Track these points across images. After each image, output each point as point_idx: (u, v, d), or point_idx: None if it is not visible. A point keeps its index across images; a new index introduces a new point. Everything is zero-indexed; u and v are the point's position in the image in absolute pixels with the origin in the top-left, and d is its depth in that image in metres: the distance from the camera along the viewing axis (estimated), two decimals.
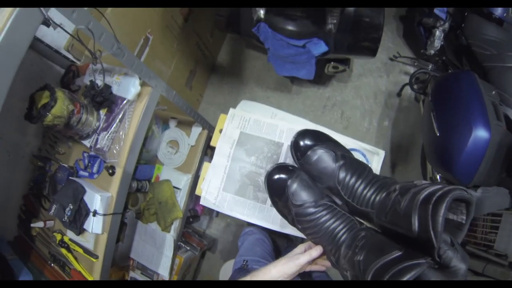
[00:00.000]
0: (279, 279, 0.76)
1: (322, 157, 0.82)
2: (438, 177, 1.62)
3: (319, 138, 0.87)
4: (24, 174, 1.32)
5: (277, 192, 0.85)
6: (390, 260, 0.57)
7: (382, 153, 1.00)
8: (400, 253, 0.57)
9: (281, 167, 0.85)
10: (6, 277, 1.12)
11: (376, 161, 1.00)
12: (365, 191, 0.76)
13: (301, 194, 0.79)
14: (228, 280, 0.98)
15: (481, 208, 1.38)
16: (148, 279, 1.56)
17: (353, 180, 0.78)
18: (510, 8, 1.48)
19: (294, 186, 0.81)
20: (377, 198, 0.73)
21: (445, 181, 1.55)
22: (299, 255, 0.78)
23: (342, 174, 0.79)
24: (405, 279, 0.51)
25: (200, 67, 2.09)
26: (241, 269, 1.03)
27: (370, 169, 0.82)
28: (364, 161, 0.99)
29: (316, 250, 0.78)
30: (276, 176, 0.84)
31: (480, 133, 1.13)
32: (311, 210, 0.77)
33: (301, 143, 0.86)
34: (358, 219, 0.78)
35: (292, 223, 0.84)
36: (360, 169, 0.80)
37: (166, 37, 1.66)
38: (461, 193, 0.57)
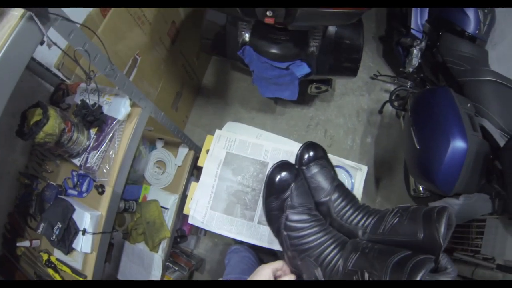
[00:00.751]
0: None
1: (323, 172, 0.86)
2: (421, 188, 1.67)
3: (323, 155, 0.91)
4: (9, 192, 1.30)
5: (277, 189, 0.85)
6: (404, 255, 0.62)
7: (365, 169, 1.03)
8: (409, 252, 0.62)
9: (288, 165, 0.87)
10: None
11: (359, 176, 1.03)
12: (353, 215, 0.79)
13: (301, 197, 0.81)
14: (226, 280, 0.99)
15: (465, 215, 1.43)
16: None
17: (343, 203, 0.81)
18: (481, 25, 1.57)
19: (298, 186, 0.82)
20: (367, 221, 0.77)
21: (428, 192, 1.60)
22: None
23: (335, 195, 0.82)
24: (424, 269, 0.56)
25: (186, 89, 2.12)
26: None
27: (357, 200, 0.85)
28: (348, 177, 1.02)
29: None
30: (283, 173, 0.85)
31: (458, 144, 1.19)
32: (304, 217, 0.78)
33: (306, 154, 0.89)
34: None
35: (278, 230, 0.84)
36: (350, 196, 0.84)
37: (153, 58, 1.69)
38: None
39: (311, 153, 0.89)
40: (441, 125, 1.26)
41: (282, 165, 0.87)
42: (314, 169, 0.86)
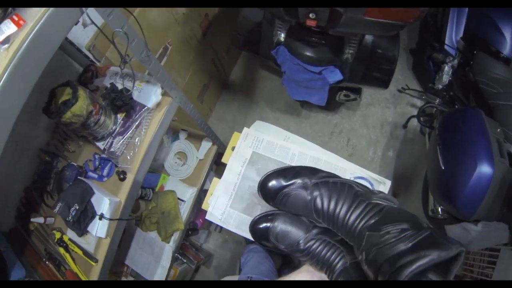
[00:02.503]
0: None
1: (293, 195, 0.79)
2: (439, 209, 1.63)
3: (284, 176, 0.82)
4: (29, 166, 1.31)
5: (264, 240, 0.85)
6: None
7: (388, 183, 1.01)
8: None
9: (259, 218, 0.86)
10: None
11: (382, 190, 1.01)
12: (347, 216, 0.72)
13: (286, 237, 0.80)
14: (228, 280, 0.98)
15: (481, 243, 1.39)
16: None
17: (332, 206, 0.74)
18: None
19: (276, 232, 0.81)
20: (359, 226, 0.70)
21: (446, 214, 1.56)
22: None
23: (318, 204, 0.76)
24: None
25: (213, 82, 2.11)
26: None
27: (350, 186, 0.78)
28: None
29: None
30: (259, 227, 0.85)
31: (484, 169, 1.15)
32: (301, 247, 0.78)
33: (267, 189, 0.83)
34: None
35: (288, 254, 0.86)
36: (337, 191, 0.76)
37: (184, 49, 1.68)
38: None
39: (272, 186, 0.82)
40: (469, 147, 1.23)
41: (258, 220, 0.86)
42: (284, 200, 0.80)
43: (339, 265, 0.74)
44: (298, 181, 0.80)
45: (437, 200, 1.52)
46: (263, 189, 0.83)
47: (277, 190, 0.81)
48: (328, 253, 0.75)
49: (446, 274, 0.56)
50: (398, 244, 0.59)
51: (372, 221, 0.69)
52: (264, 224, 0.83)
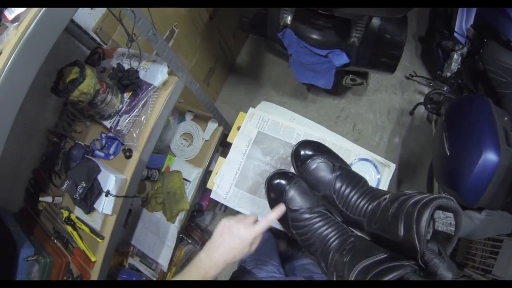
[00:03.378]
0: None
1: (320, 166, 0.86)
2: (437, 195, 1.63)
3: (319, 149, 0.90)
4: (37, 148, 1.34)
5: (275, 197, 0.87)
6: (374, 261, 0.60)
7: (393, 166, 1.01)
8: (385, 255, 0.61)
9: (281, 173, 0.88)
10: (8, 247, 1.12)
11: (386, 173, 1.01)
12: (358, 201, 0.79)
13: (298, 200, 0.82)
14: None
15: (484, 232, 1.39)
16: (147, 267, 1.57)
17: (348, 190, 0.81)
18: None
19: (292, 191, 0.83)
20: (369, 207, 0.77)
21: None
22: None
23: (338, 184, 0.83)
24: (386, 279, 0.54)
25: (219, 65, 2.11)
26: (240, 271, 1.04)
27: (365, 182, 0.86)
28: (375, 172, 1.01)
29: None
30: (276, 181, 0.87)
31: (490, 156, 1.15)
32: (306, 216, 0.80)
33: (302, 152, 0.89)
34: (351, 228, 0.82)
35: (288, 229, 0.86)
36: (355, 180, 0.84)
37: (191, 32, 1.68)
38: (447, 201, 0.61)
39: (306, 151, 0.89)
40: (475, 135, 1.22)
41: (277, 174, 0.88)
42: (311, 166, 0.87)
43: (334, 243, 0.76)
44: (328, 157, 0.88)
45: (441, 186, 1.52)
46: (297, 152, 0.90)
47: (309, 156, 0.88)
48: (327, 230, 0.78)
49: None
50: (421, 193, 0.67)
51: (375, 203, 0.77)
52: (284, 181, 0.86)
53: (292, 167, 0.92)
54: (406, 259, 0.57)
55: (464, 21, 1.69)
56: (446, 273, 0.54)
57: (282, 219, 0.86)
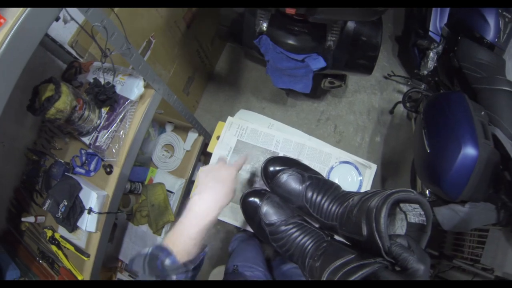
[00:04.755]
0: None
1: (290, 179, 0.89)
2: (427, 192, 1.66)
3: (287, 163, 0.94)
4: (17, 167, 1.30)
5: (250, 214, 0.90)
6: (342, 263, 0.61)
7: (374, 167, 1.02)
8: (352, 256, 0.62)
9: (253, 191, 0.91)
10: None
11: (368, 174, 1.02)
12: (330, 206, 0.82)
13: (272, 214, 0.85)
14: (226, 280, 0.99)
15: (469, 223, 1.42)
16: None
17: (319, 197, 0.84)
18: (501, 34, 1.54)
19: (265, 207, 0.86)
20: (339, 211, 0.79)
21: (434, 196, 1.59)
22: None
23: (309, 193, 0.85)
24: (351, 279, 0.55)
25: (198, 74, 2.11)
26: (232, 274, 1.04)
27: (337, 187, 0.88)
28: (357, 174, 1.02)
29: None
30: (249, 199, 0.90)
31: (469, 151, 1.18)
32: (282, 228, 0.83)
33: (270, 168, 0.93)
34: (329, 232, 0.85)
35: (268, 243, 0.88)
36: (325, 187, 0.87)
37: (168, 41, 1.67)
38: (406, 194, 0.62)
39: (274, 167, 0.93)
40: (454, 130, 1.25)
41: (250, 193, 0.91)
42: (280, 180, 0.89)
43: (310, 250, 0.78)
44: (297, 169, 0.91)
45: (424, 182, 1.54)
46: (266, 169, 0.93)
47: (277, 171, 0.91)
48: (304, 239, 0.80)
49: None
50: (382, 192, 0.67)
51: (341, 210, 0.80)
52: (256, 198, 0.89)
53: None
54: (372, 257, 0.58)
55: (438, 20, 1.73)
56: (417, 265, 0.54)
57: (261, 234, 0.89)
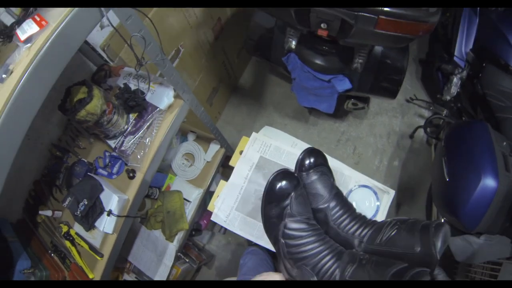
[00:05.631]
0: None
1: (323, 179, 0.86)
2: (442, 220, 1.64)
3: (323, 162, 0.92)
4: (39, 161, 1.33)
5: (277, 197, 0.83)
6: (402, 267, 0.63)
7: (392, 193, 1.02)
8: (405, 264, 0.64)
9: (288, 173, 0.84)
10: (5, 257, 1.12)
11: (386, 199, 1.02)
12: (350, 225, 0.81)
13: (300, 206, 0.80)
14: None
15: (483, 256, 1.39)
16: None
17: (341, 212, 0.82)
18: None
19: (298, 195, 0.81)
20: (363, 232, 0.79)
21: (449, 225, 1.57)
22: None
23: (333, 203, 0.83)
24: (424, 279, 0.60)
25: (223, 86, 2.13)
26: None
27: (351, 204, 0.88)
28: (374, 198, 1.01)
29: None
30: (284, 182, 0.82)
31: (488, 182, 1.15)
32: (303, 225, 0.78)
33: (308, 160, 0.89)
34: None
35: (275, 238, 0.82)
36: (348, 205, 0.85)
37: (196, 52, 1.70)
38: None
39: (312, 160, 0.89)
40: (474, 160, 1.23)
41: (283, 173, 0.84)
42: (314, 176, 0.87)
43: (331, 261, 0.74)
44: (330, 173, 0.91)
45: (440, 211, 1.52)
46: (304, 159, 0.90)
47: (315, 165, 0.89)
48: (321, 247, 0.75)
49: None
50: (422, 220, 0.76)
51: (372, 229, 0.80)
52: (291, 183, 0.82)
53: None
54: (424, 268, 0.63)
55: (463, 45, 1.71)
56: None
57: (273, 223, 0.83)
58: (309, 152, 0.91)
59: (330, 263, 0.72)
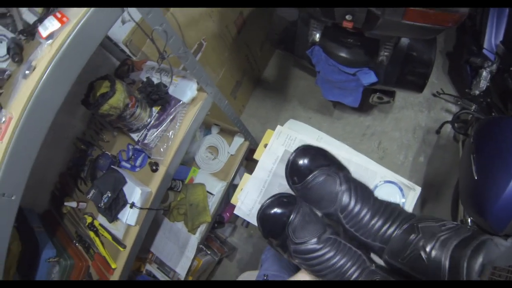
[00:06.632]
0: None
1: (325, 182, 0.72)
2: (469, 220, 1.59)
3: (321, 158, 0.77)
4: (64, 154, 1.38)
5: (273, 230, 0.74)
6: None
7: (418, 189, 0.99)
8: None
9: (278, 201, 0.75)
10: (31, 246, 1.15)
11: (411, 196, 0.99)
12: (373, 221, 0.68)
13: (303, 230, 0.70)
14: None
15: (509, 259, 1.34)
16: (163, 275, 1.59)
17: (358, 207, 0.69)
18: None
19: (296, 222, 0.71)
20: (389, 231, 0.67)
21: (475, 226, 1.52)
22: None
23: (345, 200, 0.70)
24: None
25: (246, 79, 2.13)
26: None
27: (372, 192, 0.74)
28: (400, 195, 0.99)
29: None
30: (273, 211, 0.73)
31: None
32: (315, 246, 0.68)
33: (300, 163, 0.76)
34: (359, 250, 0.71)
35: (288, 257, 0.75)
36: (365, 193, 0.72)
37: (218, 45, 1.70)
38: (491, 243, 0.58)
39: (305, 162, 0.75)
40: (504, 158, 1.18)
41: (274, 202, 0.75)
42: (316, 181, 0.73)
43: (356, 273, 0.66)
44: (332, 168, 0.74)
45: (467, 211, 1.48)
46: (295, 163, 0.76)
47: (309, 170, 0.74)
48: (342, 261, 0.67)
49: None
50: (460, 230, 0.60)
51: (407, 224, 0.66)
52: (283, 210, 0.73)
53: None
54: None
55: (493, 37, 1.65)
56: None
57: (280, 250, 0.76)
58: (300, 153, 0.77)
59: (354, 276, 0.66)
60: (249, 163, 1.78)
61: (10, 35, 0.77)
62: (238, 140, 1.53)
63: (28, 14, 0.74)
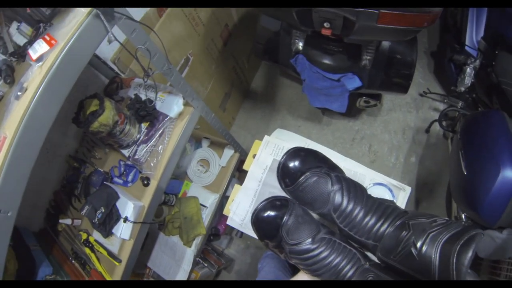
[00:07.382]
0: None
1: (317, 183, 0.75)
2: (463, 216, 1.60)
3: (312, 160, 0.80)
4: (58, 172, 1.39)
5: (268, 232, 0.77)
6: None
7: (408, 190, 1.00)
8: None
9: (271, 204, 0.78)
10: (28, 264, 1.15)
11: (402, 197, 1.00)
12: (366, 220, 0.70)
13: (297, 231, 0.72)
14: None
15: (507, 250, 1.36)
16: None
17: (350, 206, 0.71)
18: None
19: (289, 223, 0.73)
20: (381, 229, 0.68)
21: (470, 221, 1.53)
22: None
23: (338, 200, 0.72)
24: None
25: (235, 91, 2.15)
26: None
27: (365, 190, 0.76)
28: (390, 196, 0.99)
29: None
30: (267, 214, 0.76)
31: (508, 174, 1.12)
32: (309, 247, 0.70)
33: (291, 165, 0.79)
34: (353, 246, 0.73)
35: (285, 258, 0.79)
36: (356, 193, 0.73)
37: (205, 59, 1.72)
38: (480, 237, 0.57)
39: (295, 164, 0.79)
40: (492, 152, 1.20)
41: (268, 205, 0.78)
42: (308, 183, 0.76)
43: (351, 271, 0.68)
44: (323, 169, 0.76)
45: (460, 207, 1.49)
46: (286, 165, 0.79)
47: (301, 172, 0.77)
48: (337, 260, 0.69)
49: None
50: (451, 225, 0.61)
51: (399, 221, 0.68)
52: (276, 213, 0.75)
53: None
54: None
55: (474, 33, 1.66)
56: None
57: (277, 253, 0.79)
58: (290, 156, 0.81)
59: (349, 274, 0.68)
60: (241, 174, 1.79)
61: (2, 57, 0.79)
62: (229, 152, 1.55)
63: (18, 36, 0.76)
